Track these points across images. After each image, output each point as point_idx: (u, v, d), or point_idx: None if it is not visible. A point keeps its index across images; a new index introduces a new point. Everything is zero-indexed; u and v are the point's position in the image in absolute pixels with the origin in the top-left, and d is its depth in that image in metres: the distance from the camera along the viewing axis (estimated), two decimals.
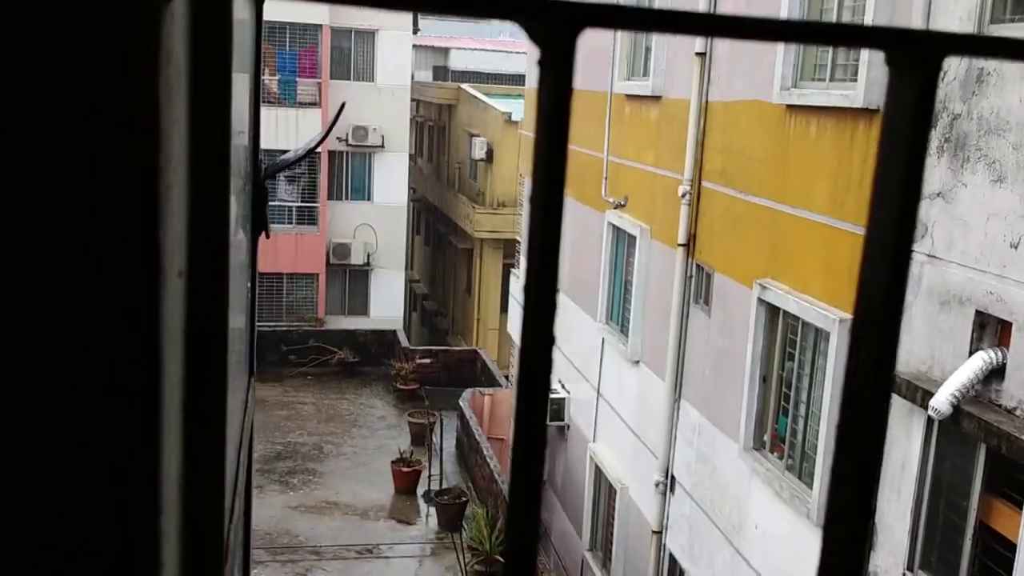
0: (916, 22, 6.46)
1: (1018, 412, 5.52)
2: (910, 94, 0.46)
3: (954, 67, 6.17)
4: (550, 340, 0.46)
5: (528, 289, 0.45)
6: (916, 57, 0.46)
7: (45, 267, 0.41)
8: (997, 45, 0.47)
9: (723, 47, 9.57)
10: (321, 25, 24.59)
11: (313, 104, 24.88)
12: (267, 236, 1.66)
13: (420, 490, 17.25)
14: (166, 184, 0.43)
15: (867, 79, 7.03)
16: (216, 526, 0.76)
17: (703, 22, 0.44)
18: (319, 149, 24.62)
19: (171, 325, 0.49)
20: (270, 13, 25.86)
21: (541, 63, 0.44)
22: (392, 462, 17.44)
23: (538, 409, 0.47)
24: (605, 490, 12.61)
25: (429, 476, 17.07)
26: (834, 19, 7.76)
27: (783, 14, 8.18)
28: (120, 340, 0.42)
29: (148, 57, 0.39)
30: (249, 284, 1.60)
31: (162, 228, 0.42)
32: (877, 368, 0.49)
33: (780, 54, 8.23)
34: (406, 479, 17.20)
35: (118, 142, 0.40)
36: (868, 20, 7.02)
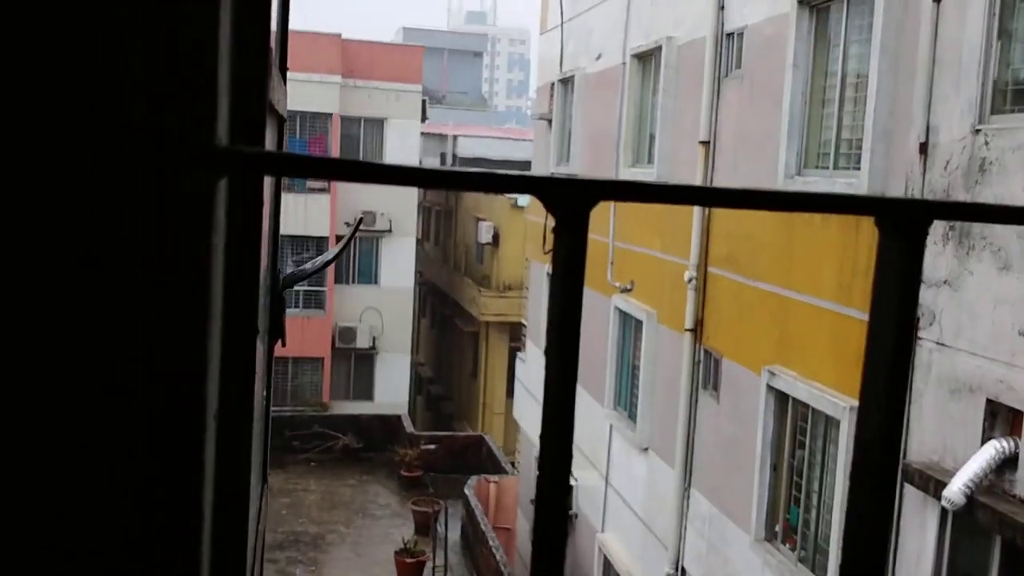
0: (917, 114, 6.60)
1: None
2: (898, 256, 0.49)
3: (956, 155, 6.27)
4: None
5: (543, 449, 0.48)
6: (903, 222, 0.50)
7: (98, 417, 0.44)
8: (981, 211, 0.51)
9: (726, 136, 9.76)
10: (331, 114, 25.14)
11: (323, 190, 25.27)
12: (283, 344, 1.69)
13: None
14: (212, 343, 0.47)
15: (871, 167, 7.15)
16: None
17: (701, 194, 0.48)
18: (327, 234, 24.89)
19: (207, 468, 0.51)
20: None
21: (557, 230, 0.48)
22: (395, 552, 17.10)
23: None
24: None
25: (433, 567, 16.71)
26: (835, 111, 7.93)
27: (784, 112, 8.36)
28: (166, 488, 0.45)
29: (203, 228, 0.43)
30: (265, 392, 1.62)
31: (208, 378, 0.45)
32: (878, 526, 0.51)
33: (784, 141, 8.39)
34: (409, 571, 16.83)
35: (171, 304, 0.43)
36: (870, 111, 7.18)
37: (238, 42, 0.61)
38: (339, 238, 25.77)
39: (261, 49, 0.71)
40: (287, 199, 24.53)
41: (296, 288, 25.59)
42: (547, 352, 0.52)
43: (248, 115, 0.65)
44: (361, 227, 25.76)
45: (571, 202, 0.47)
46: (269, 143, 1.28)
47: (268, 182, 1.46)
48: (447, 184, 0.46)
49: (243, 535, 0.69)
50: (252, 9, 0.68)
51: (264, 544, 1.75)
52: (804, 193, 0.50)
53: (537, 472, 0.52)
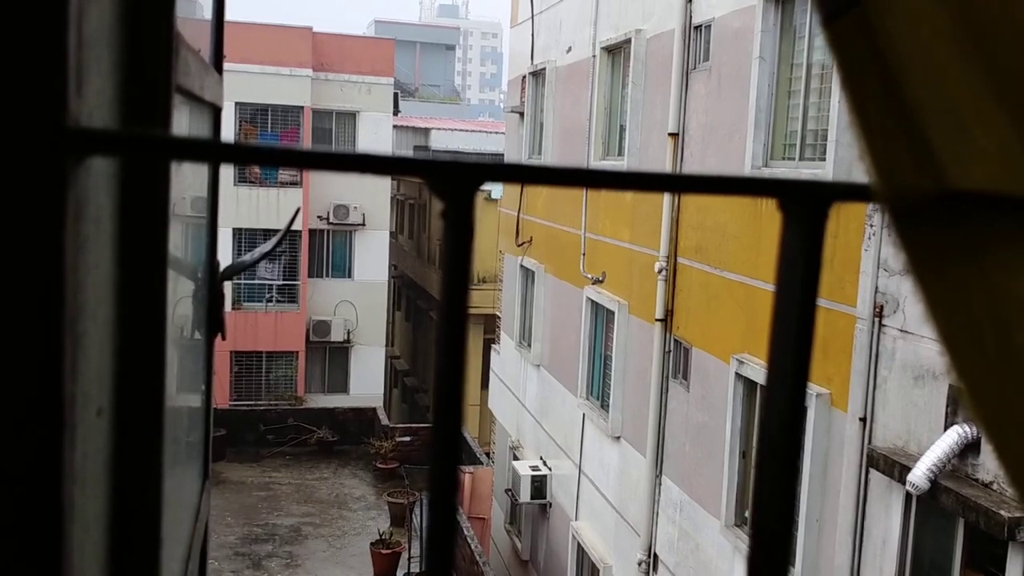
0: None
1: (994, 486, 5.51)
2: (800, 239, 0.49)
3: None
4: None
5: (434, 431, 0.46)
6: (805, 204, 0.49)
7: None
8: None
9: (695, 128, 9.79)
10: (303, 107, 24.96)
11: (294, 184, 25.09)
12: (223, 338, 1.66)
13: (400, 572, 16.88)
14: (79, 331, 0.44)
15: (835, 158, 7.20)
16: None
17: (593, 177, 0.46)
18: (299, 228, 24.74)
19: (85, 465, 0.49)
20: (252, 95, 26.01)
21: (443, 215, 0.47)
22: (371, 544, 17.10)
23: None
24: (588, 570, 12.39)
25: (409, 558, 16.72)
26: (802, 103, 7.97)
27: (751, 104, 8.40)
28: (20, 492, 0.43)
29: (51, 223, 0.41)
30: (204, 387, 1.60)
31: (68, 375, 0.43)
32: (781, 510, 0.50)
33: (751, 132, 8.43)
34: (385, 561, 16.84)
35: (15, 298, 0.41)
36: (835, 102, 7.22)
37: (133, 26, 0.59)
38: (313, 232, 25.63)
39: (163, 32, 0.68)
40: (258, 192, 24.36)
41: (269, 282, 25.43)
42: (436, 342, 0.50)
43: (148, 99, 0.62)
44: (335, 221, 25.63)
45: (455, 184, 0.45)
46: (193, 132, 1.26)
47: (198, 171, 1.44)
48: (325, 166, 0.45)
49: (154, 531, 0.67)
50: None
51: (207, 541, 1.73)
52: (703, 176, 0.49)
53: (431, 452, 0.50)
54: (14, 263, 0.41)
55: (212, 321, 1.51)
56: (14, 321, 0.41)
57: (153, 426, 0.64)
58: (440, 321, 0.48)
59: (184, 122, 1.07)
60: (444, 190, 0.46)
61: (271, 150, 0.43)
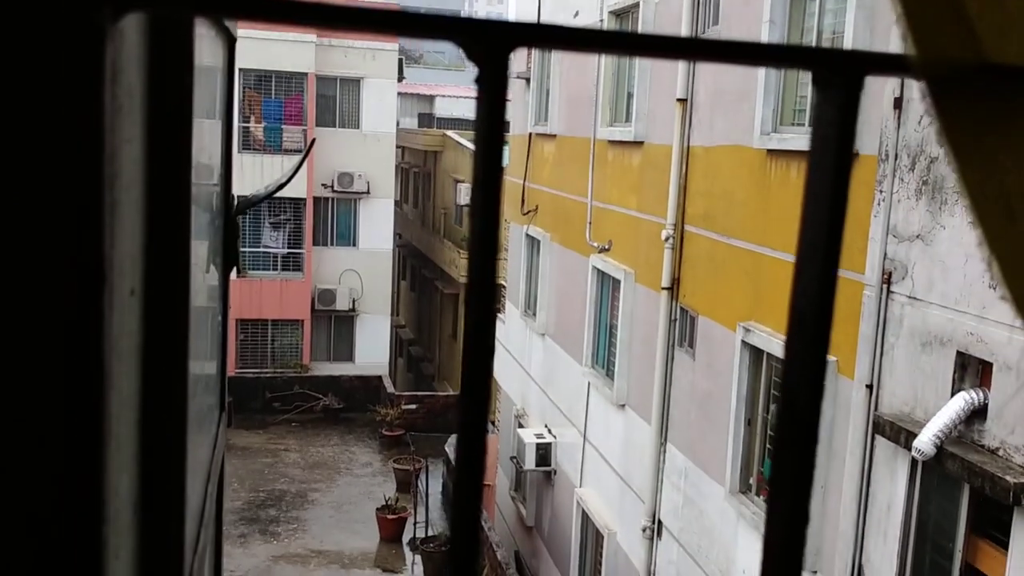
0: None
1: (1000, 452, 5.53)
2: (834, 111, 0.48)
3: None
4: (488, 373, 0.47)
5: (469, 301, 0.47)
6: (839, 75, 0.48)
7: None
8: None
9: (703, 93, 9.72)
10: (307, 73, 24.83)
11: (299, 151, 25.00)
12: (239, 273, 1.66)
13: (406, 537, 17.04)
14: (112, 200, 0.44)
15: None
16: (176, 543, 0.75)
17: (626, 41, 0.46)
18: (304, 195, 24.69)
19: (121, 340, 0.49)
20: (256, 62, 25.82)
21: (478, 80, 0.46)
22: (377, 509, 17.25)
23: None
24: (592, 536, 12.49)
25: (415, 523, 16.87)
26: (814, 40, 7.90)
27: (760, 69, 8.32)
28: (61, 351, 0.43)
29: (91, 76, 0.41)
30: (220, 318, 1.60)
31: (106, 242, 0.43)
32: (811, 383, 0.51)
33: (760, 99, 8.37)
34: (391, 527, 17.00)
35: (57, 157, 0.41)
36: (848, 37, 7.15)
37: None
38: (317, 200, 25.60)
39: None
40: (263, 159, 24.30)
41: (274, 251, 25.44)
42: (471, 214, 0.50)
43: None
44: (339, 189, 25.57)
45: (490, 45, 0.45)
46: (212, 58, 1.25)
47: (218, 71, 1.43)
48: (351, 25, 0.44)
49: (181, 411, 0.68)
50: None
51: (223, 472, 1.75)
52: (740, 42, 0.48)
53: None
54: (57, 117, 0.41)
55: (228, 253, 1.52)
56: (56, 170, 0.41)
57: (180, 308, 0.65)
58: (474, 189, 0.48)
59: (205, 47, 1.06)
60: (479, 51, 0.45)
61: (306, 4, 0.42)
